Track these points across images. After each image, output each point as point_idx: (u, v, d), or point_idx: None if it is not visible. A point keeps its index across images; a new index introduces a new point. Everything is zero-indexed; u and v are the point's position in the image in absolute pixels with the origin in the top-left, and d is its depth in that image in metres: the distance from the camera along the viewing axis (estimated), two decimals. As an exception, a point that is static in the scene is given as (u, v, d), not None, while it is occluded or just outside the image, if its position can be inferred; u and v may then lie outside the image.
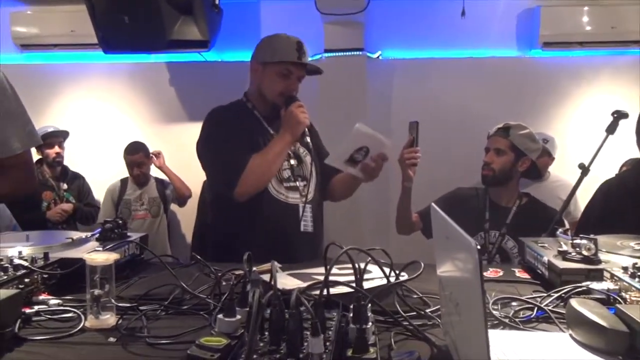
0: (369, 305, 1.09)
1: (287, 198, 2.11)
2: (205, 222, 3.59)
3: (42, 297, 1.32)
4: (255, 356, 0.91)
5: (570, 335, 1.11)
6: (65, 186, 4.05)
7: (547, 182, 3.50)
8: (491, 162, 2.47)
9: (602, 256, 1.47)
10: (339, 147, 2.03)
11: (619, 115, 2.14)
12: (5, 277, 1.26)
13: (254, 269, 1.27)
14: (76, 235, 1.69)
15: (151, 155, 4.16)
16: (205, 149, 2.12)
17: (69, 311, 1.26)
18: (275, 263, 1.61)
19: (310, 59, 2.15)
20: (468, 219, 2.49)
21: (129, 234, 1.76)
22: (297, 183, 2.14)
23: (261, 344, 0.96)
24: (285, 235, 2.08)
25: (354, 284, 1.11)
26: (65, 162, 4.11)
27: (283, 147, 2.05)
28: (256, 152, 2.04)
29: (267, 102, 2.14)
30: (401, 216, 2.45)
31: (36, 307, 1.25)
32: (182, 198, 4.20)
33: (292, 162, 2.16)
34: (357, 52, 4.00)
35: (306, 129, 2.09)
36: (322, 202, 2.31)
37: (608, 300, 1.25)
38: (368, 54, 4.08)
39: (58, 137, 4.01)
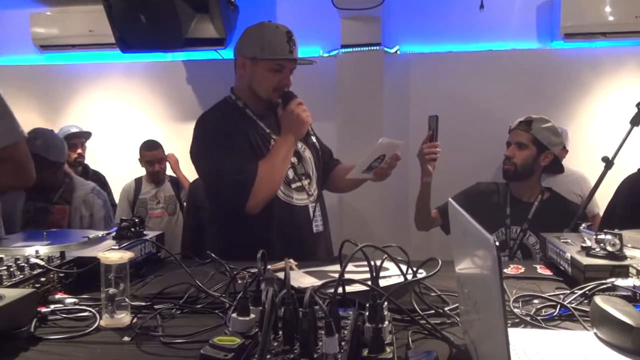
0: (386, 303, 1.07)
1: (296, 200, 2.02)
2: (200, 227, 3.56)
3: (58, 296, 1.32)
4: (268, 356, 0.89)
5: (595, 334, 1.08)
6: None
7: (561, 175, 3.41)
8: (513, 156, 2.42)
9: (628, 252, 1.42)
10: (360, 162, 1.97)
11: (645, 107, 2.08)
12: (22, 276, 1.27)
13: (269, 267, 1.26)
14: (92, 233, 1.69)
15: (169, 160, 4.18)
16: (204, 162, 1.97)
17: (85, 310, 1.26)
18: (291, 261, 1.60)
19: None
20: (489, 214, 2.45)
21: (145, 232, 1.76)
22: (302, 182, 2.04)
23: (275, 344, 0.94)
24: (299, 239, 1.99)
25: (369, 282, 1.09)
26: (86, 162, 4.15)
27: (288, 150, 1.95)
28: (257, 155, 1.92)
29: (260, 98, 2.02)
30: (420, 212, 2.42)
31: (52, 306, 1.25)
32: None
33: (293, 160, 2.04)
34: (375, 47, 3.95)
35: (310, 128, 2.02)
36: (322, 196, 2.21)
37: (634, 298, 1.22)
38: (385, 49, 4.04)
39: (80, 137, 4.04)
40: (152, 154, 4.08)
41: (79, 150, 3.99)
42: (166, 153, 4.18)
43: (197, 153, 1.98)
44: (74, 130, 4.00)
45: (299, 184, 2.03)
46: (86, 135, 4.12)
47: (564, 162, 3.43)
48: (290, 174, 2.02)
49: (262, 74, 1.97)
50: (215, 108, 2.08)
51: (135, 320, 1.20)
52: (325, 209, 2.17)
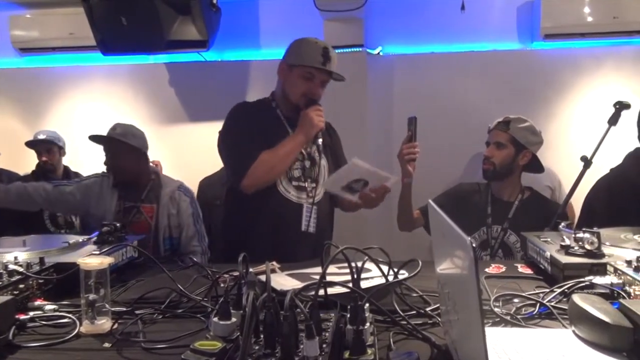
0: (367, 305, 1.07)
1: (294, 197, 2.15)
2: (209, 225, 3.56)
3: (38, 302, 1.31)
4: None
5: (573, 331, 1.09)
6: None
7: None
8: (491, 156, 2.46)
9: (606, 250, 1.44)
10: (333, 175, 2.09)
11: (621, 106, 2.11)
12: (0, 283, 1.25)
13: (251, 270, 1.26)
14: (73, 239, 1.68)
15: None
16: (223, 141, 2.21)
17: (64, 317, 1.24)
18: (274, 263, 1.61)
19: (333, 73, 2.17)
20: (470, 214, 2.47)
21: (127, 237, 1.75)
22: (306, 184, 2.18)
23: (256, 347, 0.94)
24: (287, 232, 2.11)
25: (351, 284, 1.09)
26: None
27: (294, 146, 2.11)
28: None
29: (290, 102, 2.19)
30: (402, 213, 2.43)
31: (31, 313, 1.24)
32: None
33: (306, 163, 2.20)
34: (358, 49, 3.96)
35: (320, 133, 2.14)
36: (332, 209, 2.35)
37: (612, 295, 1.23)
38: (368, 50, 4.05)
39: (47, 144, 3.93)
40: None
41: (44, 158, 3.91)
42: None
43: (221, 133, 2.22)
44: (40, 137, 3.92)
45: (302, 183, 2.18)
46: (55, 142, 4.00)
47: (549, 159, 3.48)
48: (298, 173, 2.18)
49: (294, 79, 2.16)
50: (252, 102, 2.30)
51: (116, 326, 1.19)
52: (329, 217, 2.32)
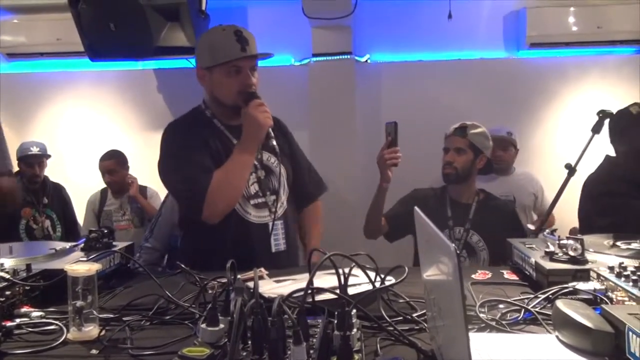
0: (354, 311, 1.08)
1: (255, 217, 1.93)
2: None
3: (24, 309, 1.30)
4: (237, 366, 0.90)
5: (557, 336, 1.11)
6: (45, 200, 3.94)
7: (514, 176, 3.53)
8: (453, 161, 2.55)
9: (589, 256, 1.46)
10: None
11: (604, 115, 2.15)
12: (-15, 290, 1.24)
13: (239, 276, 1.26)
14: (60, 245, 1.67)
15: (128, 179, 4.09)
16: (164, 172, 1.92)
17: (51, 323, 1.24)
18: (262, 270, 1.61)
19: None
20: (430, 218, 2.50)
21: (114, 243, 1.74)
22: (266, 198, 1.94)
23: (244, 354, 0.94)
24: (255, 257, 1.82)
25: (338, 290, 1.10)
26: (53, 172, 4.06)
27: (247, 157, 1.86)
28: (219, 166, 1.85)
29: (226, 106, 1.93)
30: (373, 219, 2.45)
31: (17, 320, 1.23)
32: None
33: (260, 173, 1.95)
34: (346, 56, 3.99)
35: (270, 131, 1.90)
36: (296, 214, 2.13)
37: (595, 301, 1.25)
38: (356, 58, 4.08)
39: (39, 158, 3.90)
40: (102, 164, 4.02)
41: (37, 171, 3.87)
42: (137, 163, 4.12)
43: (160, 160, 1.95)
44: (32, 150, 3.87)
45: (261, 199, 1.95)
46: (45, 154, 3.97)
47: (516, 162, 3.54)
48: (254, 188, 1.94)
49: (220, 80, 1.90)
50: (181, 118, 2.05)
51: (103, 332, 1.18)
52: (292, 226, 2.08)
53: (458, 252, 0.72)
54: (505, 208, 2.61)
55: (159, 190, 3.98)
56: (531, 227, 2.29)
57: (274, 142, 1.93)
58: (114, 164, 4.03)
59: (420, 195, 2.66)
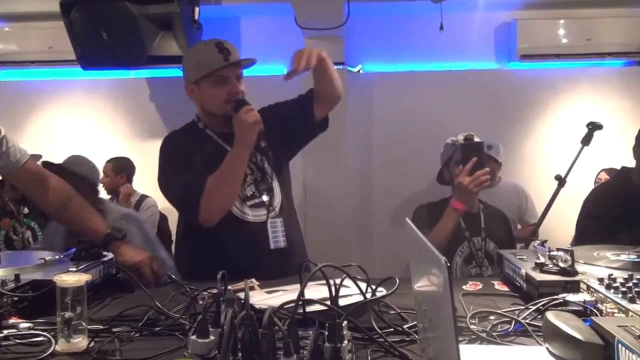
0: (345, 322, 1.08)
1: (253, 216, 1.99)
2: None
3: (12, 320, 1.29)
4: (227, 378, 0.89)
5: (547, 348, 1.11)
6: (26, 210, 3.76)
7: (501, 187, 3.49)
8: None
9: (579, 267, 1.47)
10: None
11: (594, 127, 2.17)
12: (-27, 301, 1.23)
13: (230, 287, 1.25)
14: (49, 255, 1.65)
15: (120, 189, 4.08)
16: (163, 179, 2.00)
17: (39, 335, 1.23)
18: (253, 281, 1.60)
19: (241, 61, 1.96)
20: None
21: (104, 253, 1.73)
22: (263, 197, 2.01)
23: (234, 366, 0.94)
24: (255, 256, 1.94)
25: (329, 302, 1.10)
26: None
27: (240, 160, 1.92)
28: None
29: (218, 117, 2.01)
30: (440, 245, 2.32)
31: (5, 332, 1.22)
32: None
33: (256, 175, 2.03)
34: (338, 67, 3.98)
35: (262, 133, 1.94)
36: (294, 213, 2.20)
37: (585, 312, 1.25)
38: (349, 68, 4.10)
39: None
40: (103, 165, 4.06)
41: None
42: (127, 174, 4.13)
43: (159, 171, 2.03)
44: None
45: (258, 199, 2.01)
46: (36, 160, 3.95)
47: (503, 175, 3.54)
48: (251, 190, 2.01)
49: (208, 92, 1.98)
50: (180, 129, 2.13)
51: (92, 344, 1.17)
52: (296, 225, 2.16)
53: (448, 264, 0.72)
54: (501, 214, 2.62)
55: (160, 201, 3.94)
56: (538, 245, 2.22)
57: (263, 144, 2.01)
58: (107, 168, 4.08)
59: (429, 211, 2.56)
